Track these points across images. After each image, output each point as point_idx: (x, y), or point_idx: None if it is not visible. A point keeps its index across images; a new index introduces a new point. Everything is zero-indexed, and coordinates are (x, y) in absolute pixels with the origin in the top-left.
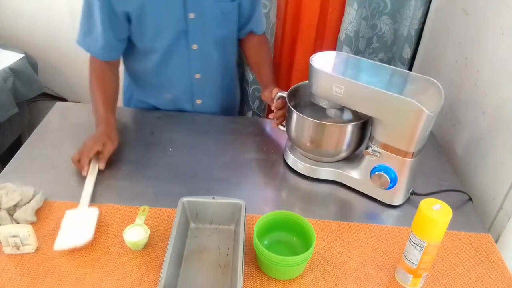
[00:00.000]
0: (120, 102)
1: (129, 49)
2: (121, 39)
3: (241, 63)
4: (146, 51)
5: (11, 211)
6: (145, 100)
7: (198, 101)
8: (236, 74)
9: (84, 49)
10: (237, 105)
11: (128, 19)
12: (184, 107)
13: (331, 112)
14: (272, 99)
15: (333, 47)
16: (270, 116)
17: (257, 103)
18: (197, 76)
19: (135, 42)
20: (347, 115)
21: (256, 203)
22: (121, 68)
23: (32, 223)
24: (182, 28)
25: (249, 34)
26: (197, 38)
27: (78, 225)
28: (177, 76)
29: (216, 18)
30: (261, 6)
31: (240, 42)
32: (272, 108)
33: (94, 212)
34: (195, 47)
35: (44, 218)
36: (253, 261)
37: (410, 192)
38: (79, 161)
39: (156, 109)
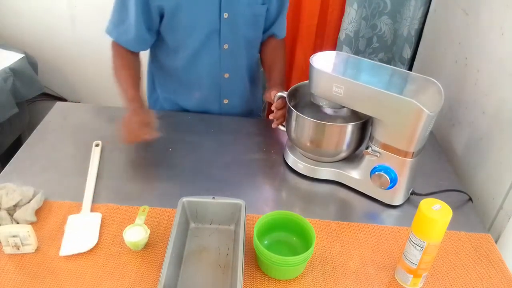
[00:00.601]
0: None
1: (159, 45)
2: (152, 33)
3: None
4: (177, 48)
5: (11, 211)
6: (172, 100)
7: (226, 101)
8: (259, 74)
9: (113, 39)
10: (262, 104)
11: (161, 14)
12: (211, 107)
13: (328, 110)
14: (273, 100)
15: (333, 47)
16: (270, 116)
17: None
18: (226, 75)
19: (165, 38)
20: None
21: (256, 203)
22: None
23: (32, 223)
24: (216, 27)
25: (270, 37)
26: (228, 38)
27: (82, 230)
28: (207, 75)
29: (247, 20)
30: (286, 11)
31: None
32: (272, 108)
33: (97, 217)
34: (226, 46)
35: (44, 218)
36: (253, 261)
37: (410, 192)
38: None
39: (184, 110)
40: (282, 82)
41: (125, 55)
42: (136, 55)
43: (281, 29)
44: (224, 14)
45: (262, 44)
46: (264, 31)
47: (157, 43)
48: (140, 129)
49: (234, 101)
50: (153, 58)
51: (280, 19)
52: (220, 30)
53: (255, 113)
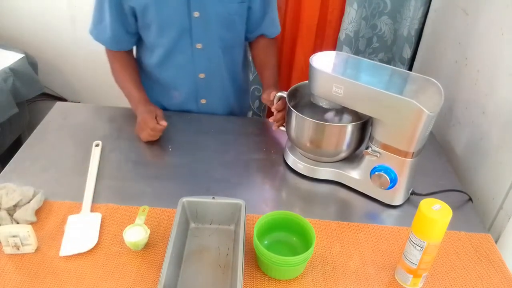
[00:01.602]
0: (123, 103)
1: (139, 44)
2: (130, 33)
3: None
4: (152, 46)
5: (11, 211)
6: (154, 99)
7: (203, 101)
8: (245, 77)
9: (93, 38)
10: (246, 109)
11: (134, 14)
12: (189, 107)
13: (329, 115)
14: (271, 102)
15: (333, 47)
16: (270, 119)
17: (257, 103)
18: (201, 76)
19: (142, 36)
20: (346, 116)
21: (256, 203)
22: None
23: (32, 223)
24: (186, 26)
25: (259, 36)
26: (201, 38)
27: (82, 231)
28: (182, 75)
29: (221, 19)
30: (275, 9)
31: (249, 43)
32: (273, 109)
33: (97, 217)
34: (199, 46)
35: (44, 218)
36: (253, 261)
37: (410, 192)
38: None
39: (163, 109)
40: (276, 82)
41: (120, 57)
42: (129, 53)
43: (272, 28)
44: (195, 13)
45: (253, 44)
46: (251, 31)
47: (138, 42)
48: (159, 126)
49: (212, 102)
50: (136, 57)
51: (268, 18)
52: (191, 29)
53: (240, 114)
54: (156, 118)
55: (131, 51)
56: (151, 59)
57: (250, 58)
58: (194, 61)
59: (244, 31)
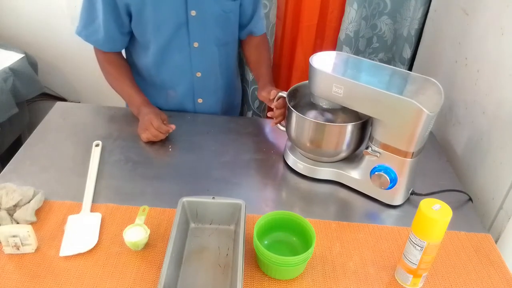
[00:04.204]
0: (123, 103)
1: (131, 43)
2: (124, 33)
3: (241, 63)
4: (146, 45)
5: (11, 211)
6: (151, 101)
7: (200, 100)
8: (237, 74)
9: (83, 39)
10: (239, 105)
11: (129, 12)
12: (185, 106)
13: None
14: (271, 100)
15: (333, 47)
16: (269, 114)
17: (257, 103)
18: (198, 74)
19: (136, 36)
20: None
21: (256, 203)
22: None
23: (32, 223)
24: (183, 25)
25: (249, 35)
26: (198, 36)
27: (82, 231)
28: (179, 74)
29: (217, 17)
30: (261, 7)
31: (240, 42)
32: (272, 106)
33: (97, 217)
34: (196, 45)
35: (44, 218)
36: (253, 261)
37: (410, 192)
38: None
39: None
40: (271, 79)
41: (114, 59)
42: (121, 55)
43: (259, 25)
44: (191, 11)
45: (244, 43)
46: (242, 29)
47: (131, 42)
48: (164, 126)
49: (208, 100)
50: (128, 58)
51: (257, 15)
52: (189, 27)
53: (232, 111)
54: (163, 122)
55: (121, 52)
56: (146, 59)
57: (241, 56)
58: (191, 60)
59: (237, 29)
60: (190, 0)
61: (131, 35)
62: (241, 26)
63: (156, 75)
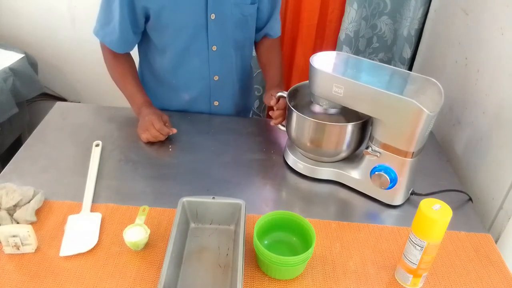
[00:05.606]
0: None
1: (148, 46)
2: (137, 33)
3: None
4: (164, 48)
5: (11, 211)
6: (164, 102)
7: (216, 103)
8: (252, 76)
9: (99, 40)
10: (250, 108)
11: (147, 15)
12: (201, 108)
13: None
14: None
15: (333, 47)
16: (270, 113)
17: (257, 103)
18: (216, 78)
19: (153, 38)
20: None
21: (256, 203)
22: None
23: (32, 223)
24: (203, 28)
25: (263, 37)
26: (217, 39)
27: (82, 230)
28: (196, 77)
29: (236, 20)
30: (278, 10)
31: (254, 44)
32: (273, 105)
33: (97, 217)
34: (214, 48)
35: (44, 218)
36: (253, 261)
37: (410, 192)
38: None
39: (172, 111)
40: (280, 82)
41: (123, 59)
42: (130, 55)
43: (275, 28)
44: (211, 15)
45: (257, 44)
46: (257, 31)
47: (146, 44)
48: (166, 128)
49: (224, 103)
50: (143, 59)
51: (273, 18)
52: (208, 31)
53: (245, 113)
54: (165, 124)
55: (130, 52)
56: (163, 62)
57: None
58: (209, 63)
59: (254, 32)
60: (210, 3)
61: (148, 38)
62: (257, 29)
63: (173, 77)
